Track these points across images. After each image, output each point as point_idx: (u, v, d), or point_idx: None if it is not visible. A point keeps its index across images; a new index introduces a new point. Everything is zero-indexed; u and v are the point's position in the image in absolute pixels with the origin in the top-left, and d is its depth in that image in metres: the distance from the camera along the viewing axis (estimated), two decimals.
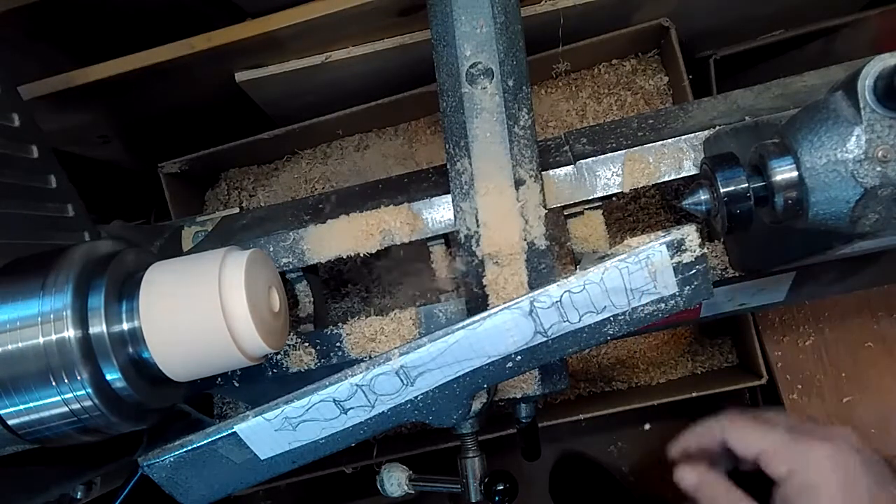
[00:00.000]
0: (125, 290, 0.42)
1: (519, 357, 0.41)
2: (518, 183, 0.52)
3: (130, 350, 0.42)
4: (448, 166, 0.53)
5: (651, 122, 0.57)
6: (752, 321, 0.87)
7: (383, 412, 0.43)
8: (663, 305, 0.40)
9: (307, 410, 0.43)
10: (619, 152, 0.54)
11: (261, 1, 0.71)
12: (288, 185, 0.96)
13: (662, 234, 0.41)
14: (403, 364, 0.41)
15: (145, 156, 0.92)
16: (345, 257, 0.56)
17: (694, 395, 0.86)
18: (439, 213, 0.56)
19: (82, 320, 0.40)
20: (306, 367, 0.57)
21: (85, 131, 0.84)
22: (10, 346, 0.39)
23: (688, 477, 0.49)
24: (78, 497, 0.60)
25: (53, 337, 0.39)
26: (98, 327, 0.40)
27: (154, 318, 0.41)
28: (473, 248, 0.52)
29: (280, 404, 0.44)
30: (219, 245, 0.48)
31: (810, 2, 0.84)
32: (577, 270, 0.42)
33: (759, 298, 0.63)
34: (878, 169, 0.37)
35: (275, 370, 0.57)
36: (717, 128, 0.52)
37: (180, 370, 0.42)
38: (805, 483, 0.39)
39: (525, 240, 0.51)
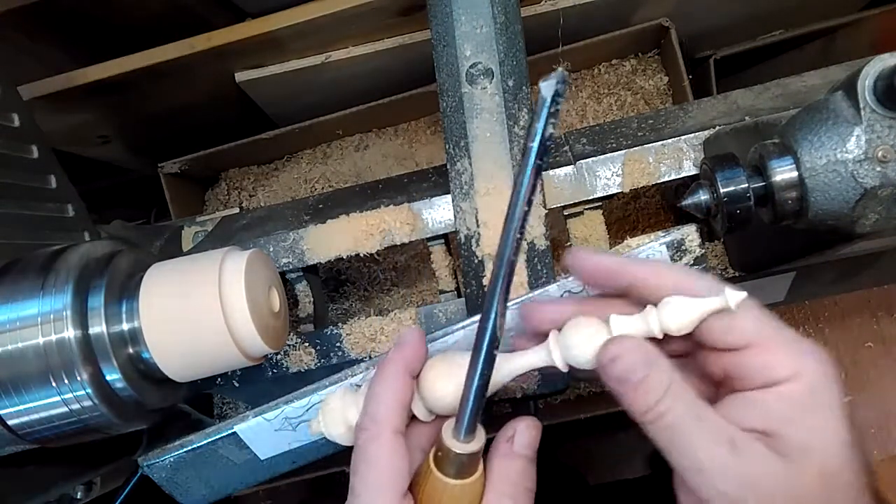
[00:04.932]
0: (125, 291, 0.42)
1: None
2: None
3: (130, 350, 0.42)
4: (448, 166, 0.53)
5: (651, 122, 0.57)
6: None
7: None
8: None
9: (307, 410, 0.43)
10: (619, 152, 0.54)
11: (261, 1, 0.71)
12: (288, 185, 0.96)
13: (662, 234, 0.41)
14: None
15: (145, 156, 0.92)
16: (345, 257, 0.56)
17: None
18: (439, 213, 0.56)
19: (82, 320, 0.40)
20: (306, 367, 0.57)
21: (85, 131, 0.84)
22: (10, 346, 0.39)
23: (634, 358, 0.31)
24: (78, 497, 0.60)
25: (53, 337, 0.39)
26: (98, 327, 0.40)
27: (154, 318, 0.41)
28: (473, 248, 0.52)
29: (280, 404, 0.44)
30: (219, 245, 0.48)
31: (810, 2, 0.84)
32: None
33: (759, 298, 0.63)
34: (878, 169, 0.37)
35: (275, 370, 0.57)
36: (717, 128, 0.52)
37: (180, 370, 0.42)
38: (813, 390, 0.29)
39: (525, 240, 0.51)
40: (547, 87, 0.25)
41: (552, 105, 0.25)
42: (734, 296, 0.30)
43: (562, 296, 0.40)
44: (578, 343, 0.33)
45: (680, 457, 0.30)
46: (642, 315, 0.33)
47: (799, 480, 0.28)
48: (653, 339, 0.32)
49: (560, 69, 0.25)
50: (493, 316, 0.30)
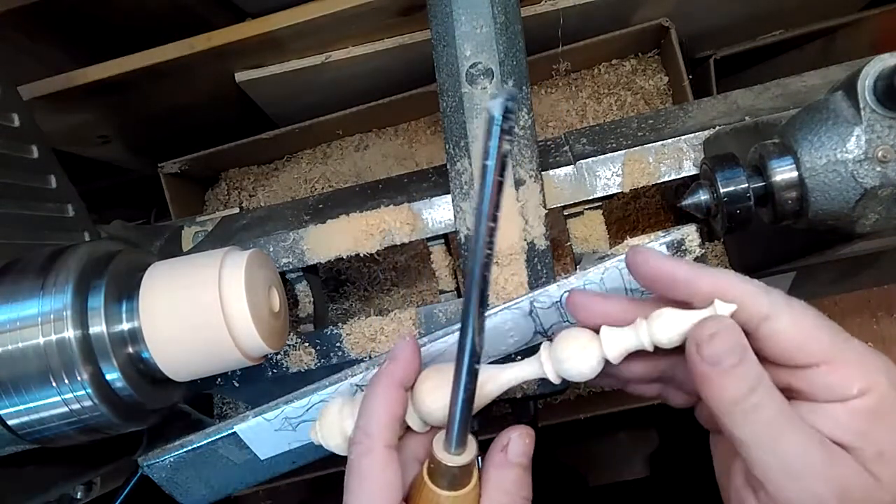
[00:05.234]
0: (125, 291, 0.42)
1: (519, 357, 0.41)
2: (518, 183, 0.52)
3: (130, 350, 0.42)
4: (448, 166, 0.53)
5: (651, 122, 0.57)
6: None
7: None
8: None
9: (307, 410, 0.43)
10: (619, 152, 0.54)
11: (261, 1, 0.72)
12: (288, 185, 0.96)
13: (662, 234, 0.41)
14: None
15: (145, 156, 0.92)
16: (345, 257, 0.56)
17: None
18: (439, 213, 0.56)
19: (82, 320, 0.40)
20: (306, 367, 0.57)
21: (85, 131, 0.84)
22: (10, 346, 0.39)
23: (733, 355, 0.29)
24: (78, 497, 0.60)
25: (53, 337, 0.39)
26: (98, 327, 0.40)
27: (154, 318, 0.41)
28: None
29: (280, 404, 0.44)
30: (219, 245, 0.48)
31: (810, 2, 0.84)
32: (577, 270, 0.42)
33: None
34: (878, 169, 0.37)
35: (275, 370, 0.57)
36: (717, 128, 0.52)
37: (180, 370, 0.42)
38: (881, 402, 0.29)
39: (525, 240, 0.51)
40: (495, 106, 0.25)
41: (504, 122, 0.25)
42: (724, 308, 0.30)
43: (561, 296, 0.40)
44: (570, 356, 0.33)
45: (766, 455, 0.29)
46: (633, 327, 0.33)
47: (880, 490, 0.28)
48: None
49: (508, 87, 0.25)
50: (470, 332, 0.30)
